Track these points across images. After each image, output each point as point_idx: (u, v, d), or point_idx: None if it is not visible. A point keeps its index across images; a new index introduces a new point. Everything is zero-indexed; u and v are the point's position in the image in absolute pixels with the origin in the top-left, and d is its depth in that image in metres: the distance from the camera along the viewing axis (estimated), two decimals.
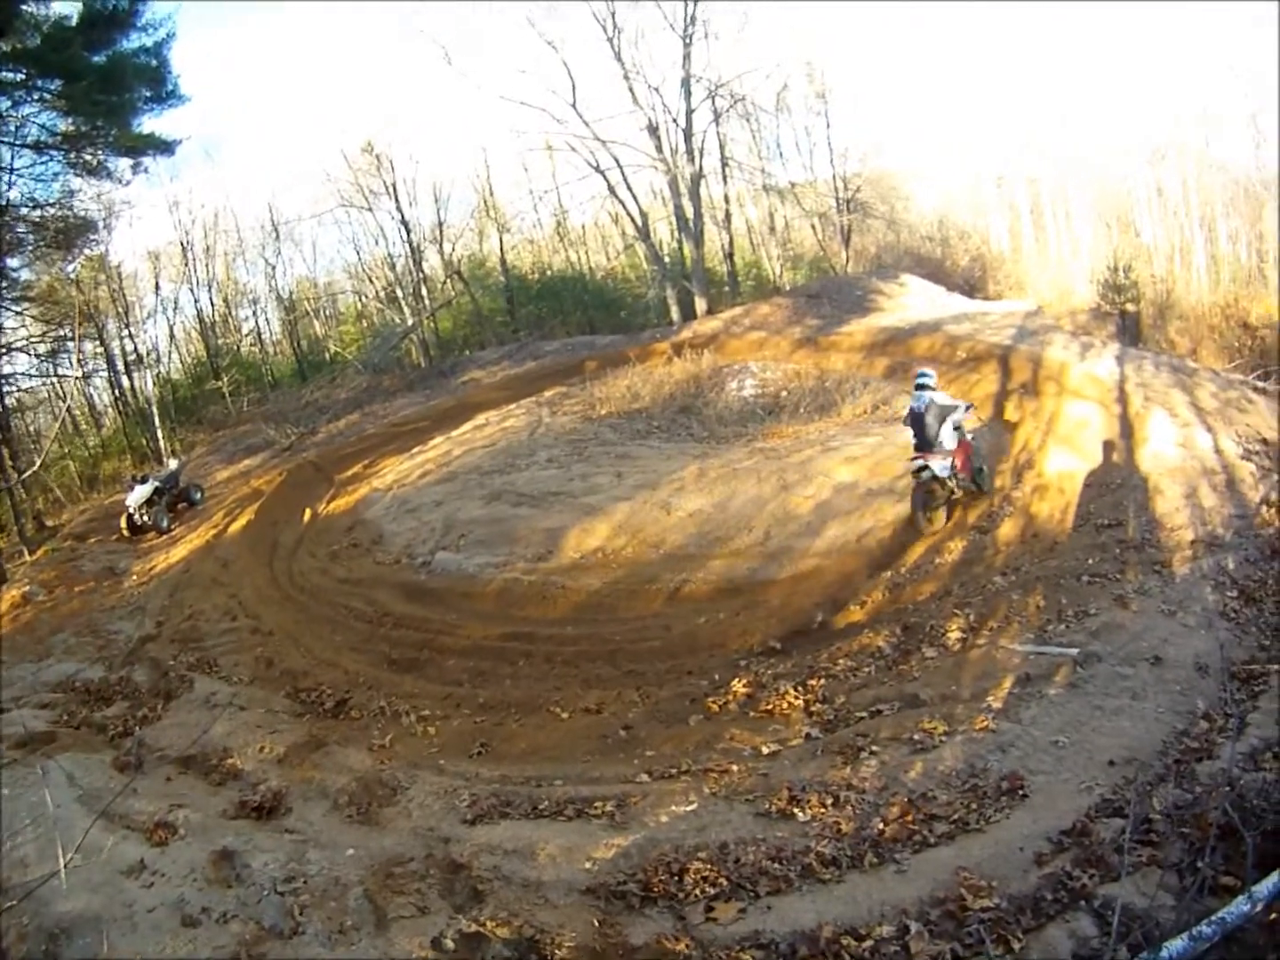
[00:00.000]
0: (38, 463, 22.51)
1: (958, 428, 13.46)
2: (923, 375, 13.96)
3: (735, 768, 7.48)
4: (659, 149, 35.01)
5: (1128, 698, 7.38)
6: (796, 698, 8.77)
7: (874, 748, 7.33)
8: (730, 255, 39.11)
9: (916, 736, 7.33)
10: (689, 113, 34.99)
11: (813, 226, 40.96)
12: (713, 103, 36.29)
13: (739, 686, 9.35)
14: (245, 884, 6.03)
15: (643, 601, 12.61)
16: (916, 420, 13.31)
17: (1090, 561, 10.60)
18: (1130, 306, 34.71)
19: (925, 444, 13.21)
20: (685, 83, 34.91)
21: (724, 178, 39.26)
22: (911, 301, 29.08)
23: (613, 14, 34.66)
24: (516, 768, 8.37)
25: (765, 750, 7.82)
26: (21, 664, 13.36)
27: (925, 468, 13.06)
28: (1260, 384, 17.20)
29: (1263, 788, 5.39)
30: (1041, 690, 7.75)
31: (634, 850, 6.37)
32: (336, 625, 13.55)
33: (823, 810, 6.59)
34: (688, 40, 34.64)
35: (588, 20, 35.14)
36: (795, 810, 6.64)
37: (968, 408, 13.98)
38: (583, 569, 13.74)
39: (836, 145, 40.17)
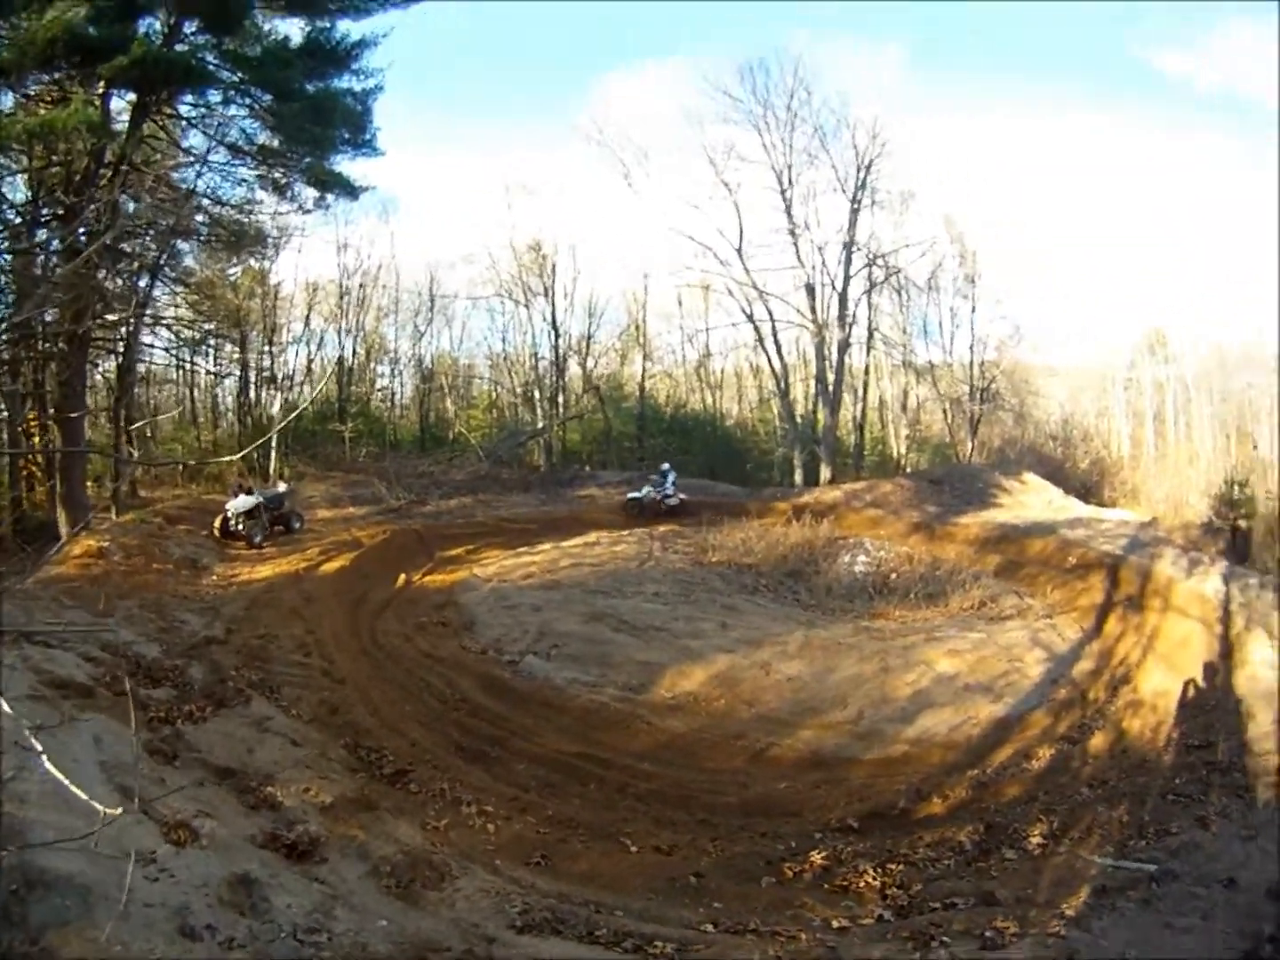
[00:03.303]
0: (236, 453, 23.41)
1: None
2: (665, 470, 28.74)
3: (803, 936, 7.23)
4: (813, 309, 35.55)
5: (1198, 917, 7.11)
6: (874, 878, 8.55)
7: (945, 938, 7.06)
8: (861, 427, 39.59)
9: (988, 934, 7.03)
10: (847, 278, 35.77)
11: (944, 410, 41.16)
12: (869, 272, 37.05)
13: (817, 857, 9.08)
14: (261, 918, 5.75)
15: (725, 755, 12.32)
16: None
17: (1177, 781, 10.58)
18: (1242, 523, 34.40)
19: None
20: (848, 247, 35.68)
21: (868, 348, 39.79)
22: (1029, 500, 29.16)
23: (789, 166, 35.87)
24: (576, 888, 8.07)
25: (835, 924, 7.57)
26: (78, 610, 13.54)
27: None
28: None
29: None
30: (1115, 903, 7.49)
31: None
32: (410, 695, 13.46)
33: None
34: (856, 205, 35.53)
35: (763, 171, 36.34)
36: None
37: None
38: (672, 709, 13.53)
39: (978, 331, 40.78)
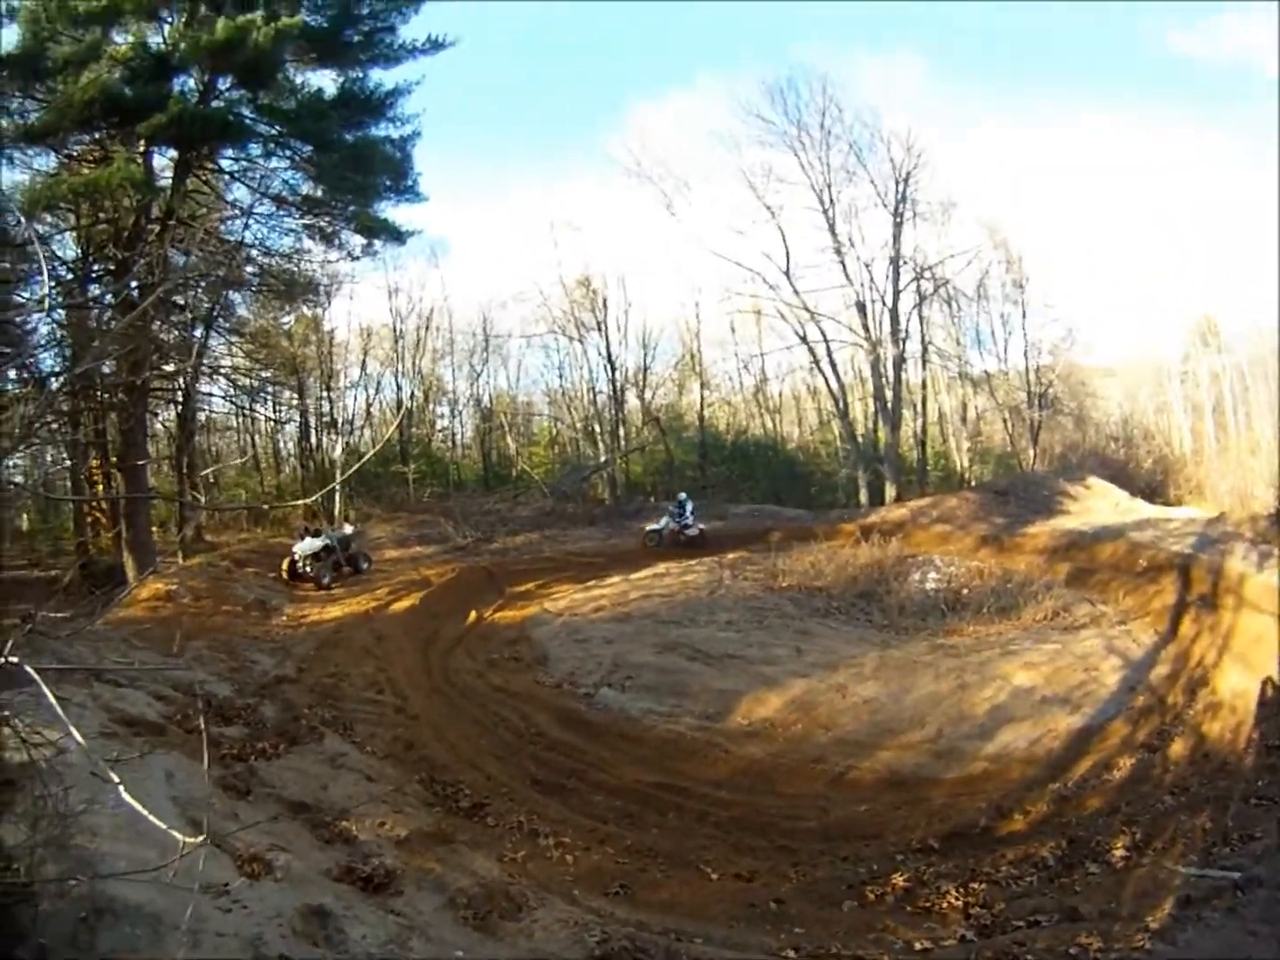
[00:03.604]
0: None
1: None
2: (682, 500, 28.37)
3: (885, 959, 7.21)
4: (865, 327, 35.45)
5: None
6: (957, 898, 8.39)
7: (1028, 957, 6.97)
8: (923, 442, 39.41)
9: (1072, 951, 6.94)
10: (896, 293, 35.65)
11: (1004, 420, 40.78)
12: (918, 286, 36.85)
13: (898, 879, 8.90)
14: (336, 948, 5.74)
15: (804, 780, 12.11)
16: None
17: (1259, 784, 10.27)
18: None
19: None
20: (894, 262, 35.64)
21: (923, 362, 39.65)
22: (1096, 504, 28.98)
23: (828, 185, 35.92)
24: (656, 917, 7.93)
25: (918, 946, 7.50)
26: (148, 651, 13.75)
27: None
28: None
29: None
30: (1199, 913, 7.29)
31: None
32: (484, 730, 13.42)
33: None
34: (898, 219, 35.51)
35: (804, 191, 36.43)
36: None
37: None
38: (749, 736, 13.35)
39: (1031, 337, 40.40)
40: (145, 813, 3.58)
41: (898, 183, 36.04)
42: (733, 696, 14.57)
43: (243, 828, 7.17)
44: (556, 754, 12.68)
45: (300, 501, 27.77)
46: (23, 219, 18.41)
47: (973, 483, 38.29)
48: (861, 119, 36.73)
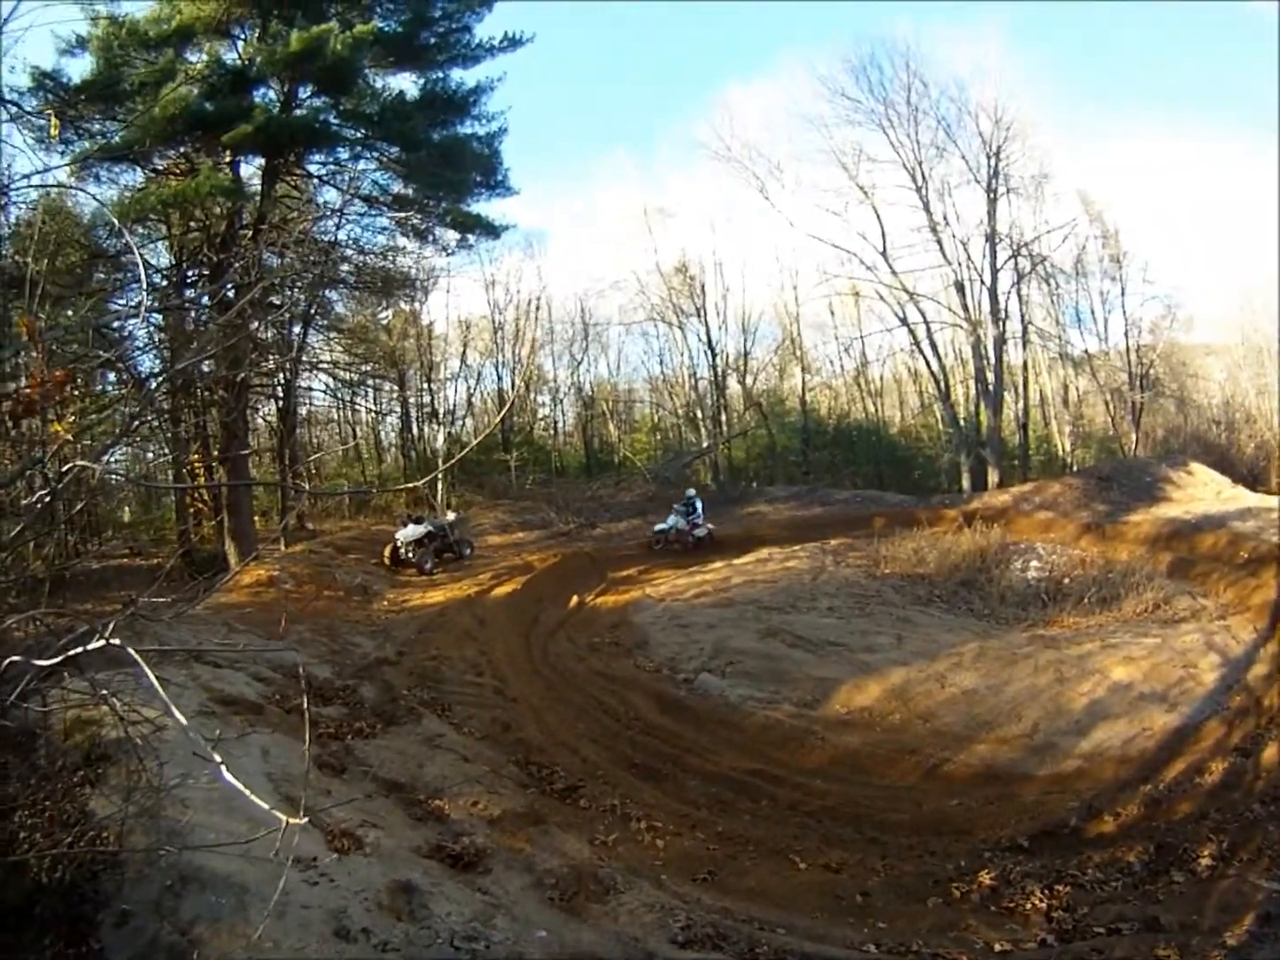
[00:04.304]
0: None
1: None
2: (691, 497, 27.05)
3: (964, 959, 7.13)
4: (965, 307, 34.87)
5: None
6: (1041, 900, 8.26)
7: None
8: (1025, 426, 38.45)
9: None
10: (994, 271, 34.88)
11: (1106, 402, 40.02)
12: (1015, 264, 36.11)
13: (985, 878, 8.81)
14: (419, 923, 5.82)
15: (899, 771, 12.05)
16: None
17: None
18: None
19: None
20: (990, 239, 34.89)
21: (1024, 343, 38.77)
22: (1198, 492, 28.01)
23: (919, 163, 35.26)
24: (741, 904, 7.94)
25: (997, 948, 7.39)
26: (249, 634, 14.12)
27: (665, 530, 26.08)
28: None
29: None
30: (1277, 931, 7.25)
31: None
32: (582, 713, 13.58)
33: None
34: (992, 195, 34.77)
35: (896, 170, 35.94)
36: None
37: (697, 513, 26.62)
38: (847, 725, 13.26)
39: (1130, 314, 39.47)
40: (240, 787, 3.76)
41: (989, 157, 35.35)
42: (832, 684, 14.50)
43: (336, 804, 7.44)
44: (653, 739, 12.79)
45: (404, 485, 28.32)
46: (117, 223, 19.00)
47: (1075, 467, 37.56)
48: (947, 94, 36.08)
